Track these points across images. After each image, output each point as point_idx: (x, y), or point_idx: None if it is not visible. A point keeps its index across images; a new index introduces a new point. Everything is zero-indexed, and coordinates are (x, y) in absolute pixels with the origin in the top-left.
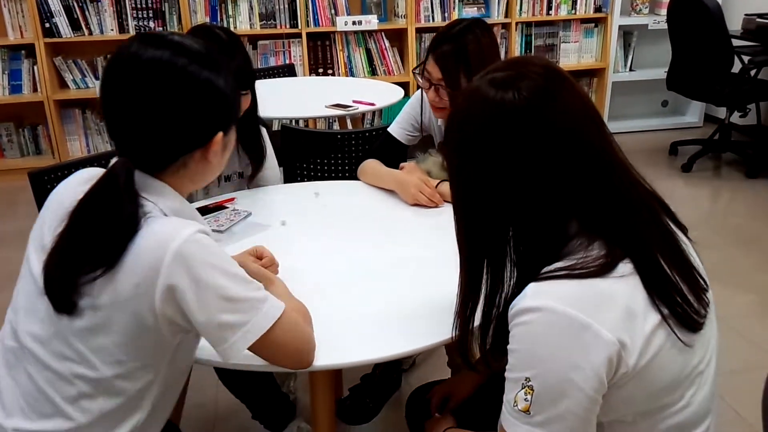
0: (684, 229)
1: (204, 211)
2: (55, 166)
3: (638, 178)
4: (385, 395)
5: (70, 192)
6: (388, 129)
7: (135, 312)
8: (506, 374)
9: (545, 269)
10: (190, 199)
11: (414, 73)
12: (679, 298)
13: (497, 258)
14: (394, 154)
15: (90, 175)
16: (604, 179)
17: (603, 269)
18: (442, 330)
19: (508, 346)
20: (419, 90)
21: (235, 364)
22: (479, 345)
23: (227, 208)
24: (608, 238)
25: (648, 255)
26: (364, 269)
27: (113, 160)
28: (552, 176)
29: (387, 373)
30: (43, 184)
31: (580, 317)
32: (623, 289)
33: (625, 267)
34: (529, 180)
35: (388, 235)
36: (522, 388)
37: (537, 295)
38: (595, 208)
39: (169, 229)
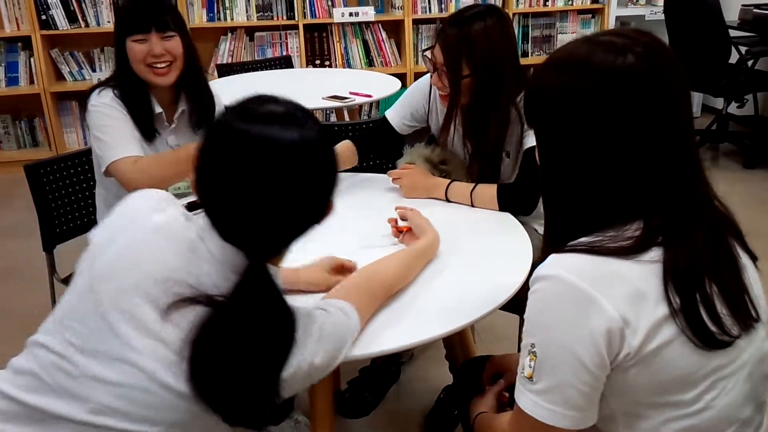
0: (754, 257)
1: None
2: (51, 159)
3: (712, 189)
4: (384, 388)
5: (145, 222)
6: (386, 113)
7: None
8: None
9: (571, 242)
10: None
11: (423, 55)
12: (701, 303)
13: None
14: (388, 140)
15: (163, 200)
16: (678, 164)
17: (624, 251)
18: (442, 323)
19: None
20: (423, 77)
21: None
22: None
23: None
24: (649, 222)
25: (687, 250)
26: (366, 262)
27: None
28: (634, 148)
29: (386, 366)
30: (39, 177)
31: (588, 290)
32: (640, 271)
33: (654, 254)
34: (612, 145)
35: (389, 228)
36: (528, 355)
37: (551, 265)
38: (658, 189)
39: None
